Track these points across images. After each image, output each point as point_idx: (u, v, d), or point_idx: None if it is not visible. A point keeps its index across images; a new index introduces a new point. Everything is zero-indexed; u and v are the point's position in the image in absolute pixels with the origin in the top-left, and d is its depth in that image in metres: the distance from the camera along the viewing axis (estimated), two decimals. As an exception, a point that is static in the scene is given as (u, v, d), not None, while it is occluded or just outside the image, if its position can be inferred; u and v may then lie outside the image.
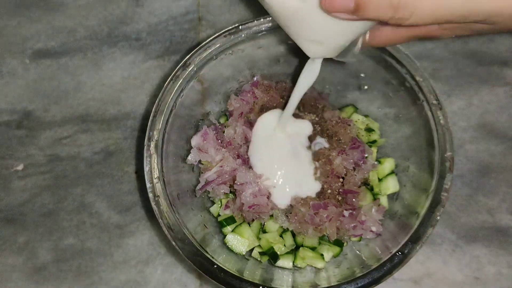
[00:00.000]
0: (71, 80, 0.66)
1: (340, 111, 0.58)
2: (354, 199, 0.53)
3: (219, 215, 0.55)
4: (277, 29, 0.52)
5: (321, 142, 0.56)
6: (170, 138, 0.50)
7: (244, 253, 0.53)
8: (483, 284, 0.55)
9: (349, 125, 0.56)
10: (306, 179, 0.54)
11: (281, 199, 0.53)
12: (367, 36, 0.43)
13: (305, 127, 0.57)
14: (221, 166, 0.53)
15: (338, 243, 0.53)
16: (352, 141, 0.55)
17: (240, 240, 0.53)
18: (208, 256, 0.45)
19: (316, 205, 0.52)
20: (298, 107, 0.58)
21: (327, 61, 0.46)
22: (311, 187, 0.54)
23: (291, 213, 0.53)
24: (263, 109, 0.57)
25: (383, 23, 0.37)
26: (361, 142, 0.55)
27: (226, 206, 0.54)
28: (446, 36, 0.40)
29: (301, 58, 0.56)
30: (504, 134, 0.62)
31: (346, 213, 0.52)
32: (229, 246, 0.53)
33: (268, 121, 0.56)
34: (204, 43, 0.51)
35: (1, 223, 0.60)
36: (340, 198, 0.53)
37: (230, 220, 0.54)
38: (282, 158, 0.54)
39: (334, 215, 0.51)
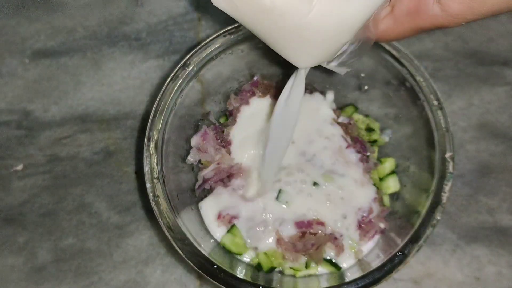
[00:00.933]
0: (71, 80, 0.66)
1: (340, 111, 0.58)
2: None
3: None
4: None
5: None
6: (170, 138, 0.50)
7: (241, 254, 0.52)
8: (484, 284, 0.55)
9: (350, 123, 0.56)
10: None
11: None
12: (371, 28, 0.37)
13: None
14: (219, 163, 0.53)
15: (334, 265, 0.51)
16: (354, 140, 0.55)
17: (235, 241, 0.52)
18: (208, 256, 0.45)
19: (300, 224, 0.51)
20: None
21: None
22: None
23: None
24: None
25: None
26: (363, 140, 0.55)
27: None
28: (453, 24, 0.35)
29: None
30: (504, 134, 0.62)
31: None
32: (226, 247, 0.52)
33: (260, 106, 0.55)
34: (204, 43, 0.51)
35: (1, 223, 0.59)
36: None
37: None
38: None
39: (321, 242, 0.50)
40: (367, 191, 0.53)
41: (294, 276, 0.51)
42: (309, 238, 0.50)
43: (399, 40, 0.39)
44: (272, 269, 0.51)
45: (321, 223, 0.51)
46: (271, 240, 0.50)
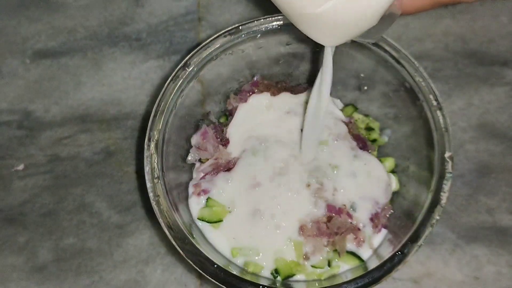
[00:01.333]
0: (71, 80, 0.66)
1: (340, 110, 0.58)
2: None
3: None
4: (277, 30, 0.52)
5: None
6: (170, 138, 0.50)
7: (221, 220, 0.51)
8: (483, 284, 0.55)
9: (351, 122, 0.56)
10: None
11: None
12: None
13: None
14: (216, 159, 0.54)
15: (358, 257, 0.51)
16: (355, 137, 0.55)
17: (213, 211, 0.51)
18: (208, 256, 0.45)
19: (331, 208, 0.51)
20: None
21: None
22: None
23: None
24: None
25: None
26: (365, 138, 0.56)
27: None
28: None
29: (300, 59, 0.57)
30: (504, 134, 0.62)
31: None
32: (204, 219, 0.51)
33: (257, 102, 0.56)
34: (204, 43, 0.51)
35: (1, 223, 0.60)
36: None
37: None
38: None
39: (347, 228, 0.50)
40: (387, 188, 0.53)
41: (318, 280, 0.50)
42: (336, 222, 0.50)
43: (420, 13, 0.41)
44: (289, 276, 0.50)
45: (350, 216, 0.51)
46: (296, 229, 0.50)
